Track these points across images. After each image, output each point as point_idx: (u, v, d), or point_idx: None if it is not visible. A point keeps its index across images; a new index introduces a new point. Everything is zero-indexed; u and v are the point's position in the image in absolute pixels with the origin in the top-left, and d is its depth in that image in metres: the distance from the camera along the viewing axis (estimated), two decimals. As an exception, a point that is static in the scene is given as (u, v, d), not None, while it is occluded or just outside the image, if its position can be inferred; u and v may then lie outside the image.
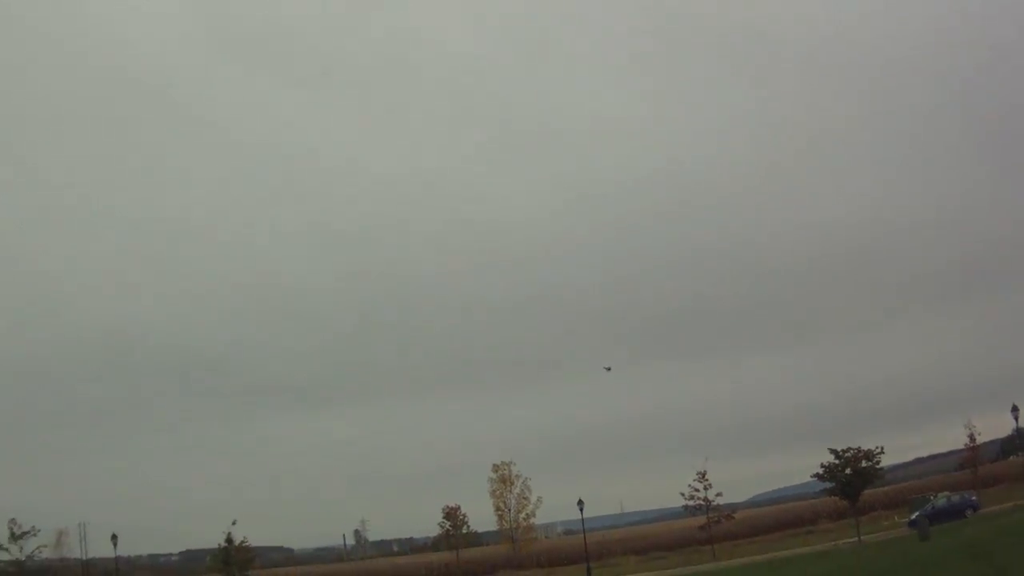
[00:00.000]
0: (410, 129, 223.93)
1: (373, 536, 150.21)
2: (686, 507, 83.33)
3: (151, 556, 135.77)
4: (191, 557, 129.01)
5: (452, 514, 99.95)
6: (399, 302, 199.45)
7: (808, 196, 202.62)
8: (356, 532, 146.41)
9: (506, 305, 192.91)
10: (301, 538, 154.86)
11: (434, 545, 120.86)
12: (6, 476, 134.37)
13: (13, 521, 78.71)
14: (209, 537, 79.31)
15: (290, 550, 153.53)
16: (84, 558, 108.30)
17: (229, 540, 74.61)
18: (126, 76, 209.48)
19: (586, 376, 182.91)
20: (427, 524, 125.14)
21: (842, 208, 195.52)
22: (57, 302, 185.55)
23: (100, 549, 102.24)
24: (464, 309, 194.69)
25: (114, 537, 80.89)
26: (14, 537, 78.47)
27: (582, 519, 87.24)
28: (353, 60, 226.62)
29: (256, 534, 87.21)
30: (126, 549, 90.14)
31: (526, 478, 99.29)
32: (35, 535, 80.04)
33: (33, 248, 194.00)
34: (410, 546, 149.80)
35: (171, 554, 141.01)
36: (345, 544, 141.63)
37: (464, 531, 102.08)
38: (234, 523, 74.67)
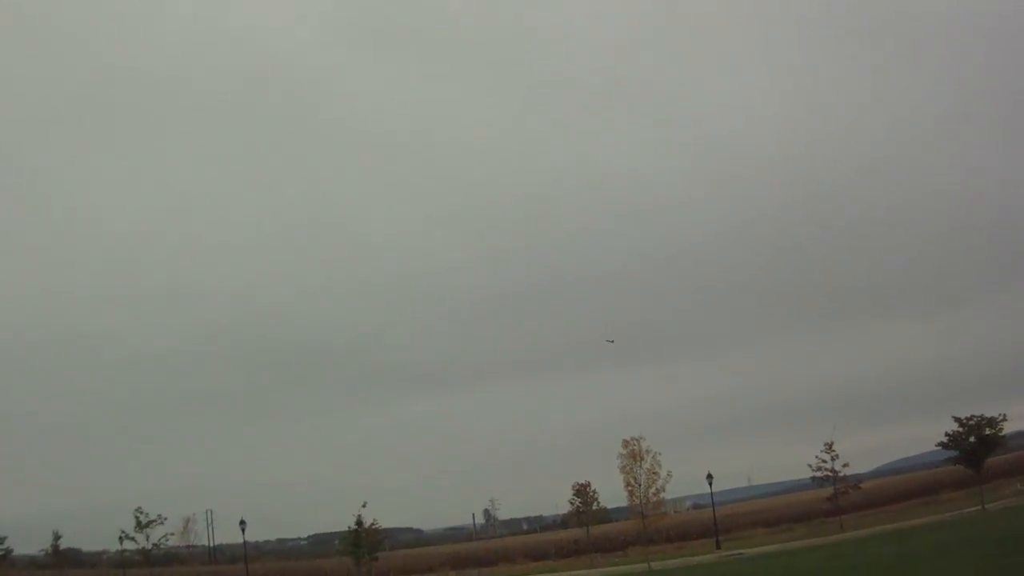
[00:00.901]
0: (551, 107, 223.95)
1: (503, 515, 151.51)
2: (813, 479, 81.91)
3: (279, 540, 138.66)
4: (319, 541, 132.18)
5: (582, 491, 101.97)
6: (528, 281, 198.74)
7: (931, 164, 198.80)
8: (486, 511, 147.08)
9: (634, 276, 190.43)
10: (431, 519, 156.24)
11: (563, 522, 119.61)
12: (134, 465, 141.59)
13: (139, 510, 78.11)
14: (338, 520, 78.06)
15: (420, 531, 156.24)
16: (211, 545, 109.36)
17: (359, 523, 72.75)
18: (262, 73, 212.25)
19: (713, 349, 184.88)
20: (557, 501, 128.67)
21: (962, 176, 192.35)
22: (190, 292, 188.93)
23: (227, 536, 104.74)
24: (595, 281, 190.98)
25: (242, 523, 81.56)
26: (140, 526, 77.72)
27: (711, 493, 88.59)
28: (478, 36, 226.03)
29: (386, 516, 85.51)
30: (254, 535, 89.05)
31: (656, 453, 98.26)
32: (161, 523, 79.40)
33: (169, 237, 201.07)
34: (540, 524, 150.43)
35: (299, 538, 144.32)
36: (475, 524, 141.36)
37: (594, 507, 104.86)
38: (364, 505, 73.31)
